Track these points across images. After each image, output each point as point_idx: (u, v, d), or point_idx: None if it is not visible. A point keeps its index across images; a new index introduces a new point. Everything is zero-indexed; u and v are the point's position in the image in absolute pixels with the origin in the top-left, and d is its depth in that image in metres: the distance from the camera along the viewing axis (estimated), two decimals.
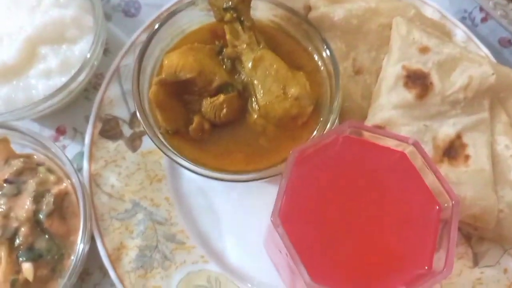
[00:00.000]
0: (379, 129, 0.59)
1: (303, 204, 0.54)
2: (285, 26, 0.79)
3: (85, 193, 0.66)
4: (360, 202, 0.56)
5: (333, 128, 0.67)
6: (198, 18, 0.76)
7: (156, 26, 0.71)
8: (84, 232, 0.65)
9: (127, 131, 0.78)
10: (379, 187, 0.57)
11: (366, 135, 0.59)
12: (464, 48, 0.80)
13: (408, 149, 0.57)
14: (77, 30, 0.75)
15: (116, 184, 0.74)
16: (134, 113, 0.79)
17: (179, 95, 0.69)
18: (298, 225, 0.53)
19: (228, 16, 0.70)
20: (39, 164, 0.70)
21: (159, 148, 0.65)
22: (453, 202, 0.52)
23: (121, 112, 0.78)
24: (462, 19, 0.95)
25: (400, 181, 0.57)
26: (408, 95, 0.74)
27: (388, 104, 0.74)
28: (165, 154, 0.65)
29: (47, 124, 0.83)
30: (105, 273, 0.71)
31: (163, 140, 0.67)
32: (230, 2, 0.70)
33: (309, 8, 0.84)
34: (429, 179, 0.56)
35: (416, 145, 0.55)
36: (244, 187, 0.78)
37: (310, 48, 0.77)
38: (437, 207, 0.55)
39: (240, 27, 0.71)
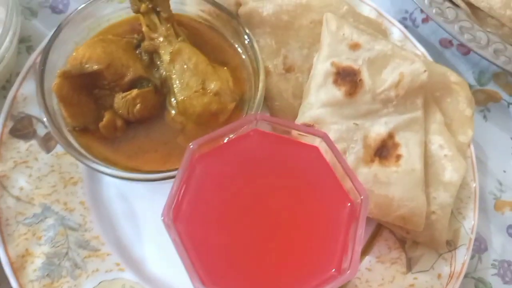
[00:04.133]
0: (286, 121, 0.55)
1: (202, 202, 0.50)
2: (213, 22, 0.76)
3: None
4: (268, 200, 0.52)
5: None
6: (117, 11, 0.72)
7: (66, 19, 0.67)
8: None
9: (41, 130, 0.73)
10: (289, 184, 0.53)
11: (280, 129, 0.56)
12: (396, 46, 0.77)
13: (321, 143, 0.54)
14: None
15: (25, 187, 0.68)
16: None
17: (88, 90, 0.64)
18: (194, 225, 0.49)
19: (143, 6, 0.67)
20: None
21: (62, 146, 0.61)
22: (362, 197, 0.49)
23: (36, 110, 0.73)
24: (403, 20, 0.94)
25: (312, 177, 0.54)
26: (337, 93, 0.71)
27: (317, 102, 0.71)
28: (69, 153, 0.60)
29: None
30: None
31: (70, 138, 0.63)
32: None
33: (239, 4, 0.80)
34: (340, 174, 0.52)
35: (324, 137, 0.51)
36: (168, 191, 0.73)
37: (237, 45, 0.74)
38: (349, 204, 0.51)
39: (157, 19, 0.67)
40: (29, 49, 0.83)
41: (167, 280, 0.68)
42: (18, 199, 0.68)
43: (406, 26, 0.87)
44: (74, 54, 0.63)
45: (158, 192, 0.72)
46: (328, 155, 0.53)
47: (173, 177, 0.60)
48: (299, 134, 0.54)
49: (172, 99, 0.67)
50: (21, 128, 0.72)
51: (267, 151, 0.54)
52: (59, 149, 0.72)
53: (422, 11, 0.93)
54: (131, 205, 0.72)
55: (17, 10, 0.72)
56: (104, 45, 0.64)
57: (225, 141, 0.53)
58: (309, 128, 0.53)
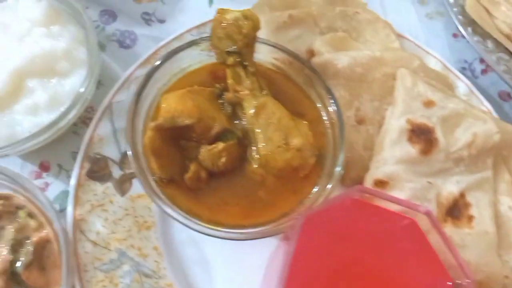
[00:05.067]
0: (389, 195, 0.55)
1: (309, 273, 0.51)
2: (286, 70, 0.76)
3: (67, 243, 0.61)
4: (367, 270, 0.53)
5: (337, 187, 0.64)
6: (198, 58, 0.73)
7: (155, 65, 0.67)
8: (66, 286, 0.59)
9: (116, 172, 0.73)
10: (388, 255, 0.54)
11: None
12: (468, 104, 0.78)
13: (419, 216, 0.54)
14: (68, 63, 0.71)
15: (101, 231, 0.69)
16: (125, 154, 0.74)
17: (175, 141, 0.65)
18: None
19: (231, 60, 0.67)
20: (19, 207, 0.64)
21: (152, 199, 0.61)
22: (468, 281, 0.49)
23: (111, 151, 0.74)
24: (462, 70, 0.94)
25: (410, 249, 0.54)
26: (412, 150, 0.72)
27: (392, 158, 0.72)
28: (159, 206, 0.61)
29: (29, 159, 0.77)
30: None
31: (156, 188, 0.63)
32: (235, 46, 0.67)
33: (311, 53, 0.81)
34: (440, 250, 0.53)
35: (428, 214, 0.52)
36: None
37: (312, 96, 0.74)
38: (449, 283, 0.52)
39: (243, 72, 0.68)
40: (98, 84, 0.83)
41: None
42: (95, 244, 0.68)
43: (466, 77, 0.87)
44: (164, 105, 0.64)
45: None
46: (428, 230, 0.53)
47: (257, 237, 0.61)
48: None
49: (253, 152, 0.67)
50: (98, 169, 0.72)
51: (366, 220, 0.55)
52: (133, 191, 0.73)
53: (481, 61, 0.95)
54: (201, 250, 0.73)
55: (97, 51, 0.72)
56: (192, 98, 0.65)
57: (326, 210, 0.53)
58: (412, 204, 0.53)
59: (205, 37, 0.71)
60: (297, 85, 0.76)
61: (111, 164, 0.73)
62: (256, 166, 0.67)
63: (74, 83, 0.70)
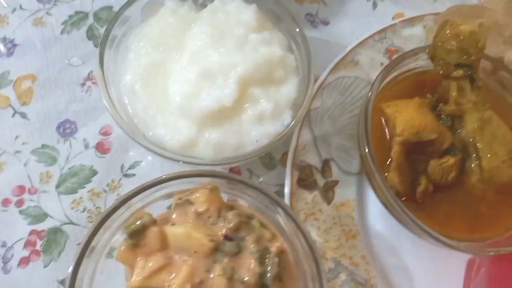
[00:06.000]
0: None
1: None
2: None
3: (318, 254, 0.60)
4: None
5: None
6: (405, 67, 0.72)
7: (383, 73, 0.67)
8: None
9: (320, 180, 0.73)
10: None
11: None
12: None
13: None
14: (283, 71, 0.69)
15: (317, 240, 0.69)
16: (326, 161, 0.74)
17: (409, 155, 0.65)
18: None
19: (460, 72, 0.66)
20: (249, 217, 0.64)
21: (407, 216, 0.61)
22: None
23: (313, 159, 0.73)
24: None
25: None
26: None
27: None
28: (414, 222, 0.61)
29: None
30: None
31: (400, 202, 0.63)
32: (465, 57, 0.66)
33: (500, 63, 0.80)
34: None
35: None
36: (434, 247, 0.74)
37: None
38: None
39: (468, 85, 0.67)
40: None
41: None
42: None
43: None
44: (404, 119, 0.63)
45: (423, 248, 0.73)
46: None
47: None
48: None
49: (472, 165, 0.67)
50: (305, 177, 0.72)
51: None
52: (336, 200, 0.72)
53: None
54: (400, 258, 0.73)
55: (310, 59, 0.70)
56: (426, 111, 0.65)
57: None
58: None
59: (422, 47, 0.70)
60: (497, 96, 0.75)
61: (315, 172, 0.73)
62: (477, 180, 0.67)
63: (290, 91, 0.69)
